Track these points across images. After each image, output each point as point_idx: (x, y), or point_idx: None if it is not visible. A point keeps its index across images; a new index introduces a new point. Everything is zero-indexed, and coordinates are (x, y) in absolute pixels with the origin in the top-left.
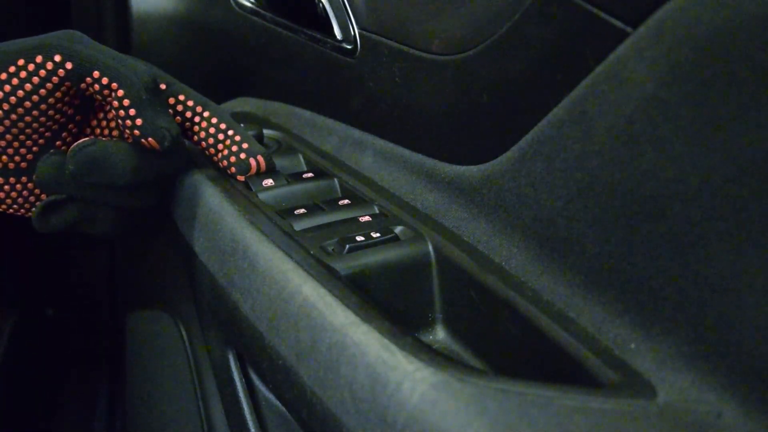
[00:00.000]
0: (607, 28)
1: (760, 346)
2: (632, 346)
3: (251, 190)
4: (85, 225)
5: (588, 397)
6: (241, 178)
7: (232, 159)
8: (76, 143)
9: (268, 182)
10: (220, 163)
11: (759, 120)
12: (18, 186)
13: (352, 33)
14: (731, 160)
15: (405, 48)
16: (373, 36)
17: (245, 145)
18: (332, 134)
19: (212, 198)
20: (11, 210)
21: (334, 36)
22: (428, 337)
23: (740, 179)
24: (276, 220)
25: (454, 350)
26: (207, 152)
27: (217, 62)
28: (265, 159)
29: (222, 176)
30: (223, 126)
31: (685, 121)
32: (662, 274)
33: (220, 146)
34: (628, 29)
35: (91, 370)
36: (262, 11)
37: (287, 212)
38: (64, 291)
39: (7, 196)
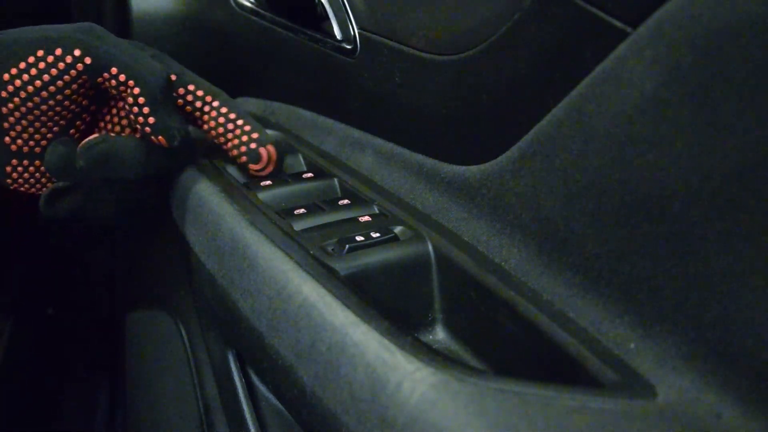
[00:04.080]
0: (607, 27)
1: (760, 346)
2: (632, 346)
3: (251, 189)
4: (90, 212)
5: (588, 397)
6: (253, 167)
7: (243, 149)
8: (86, 140)
9: (268, 182)
10: (231, 152)
11: (758, 120)
12: (31, 168)
13: (352, 33)
14: (731, 160)
15: (405, 48)
16: (373, 36)
17: (255, 135)
18: (332, 134)
19: (212, 198)
20: (23, 188)
21: (334, 36)
22: (428, 337)
23: (740, 179)
24: (276, 220)
25: (454, 350)
26: (217, 141)
27: (216, 62)
28: (275, 148)
29: (222, 176)
30: (232, 116)
31: (684, 121)
32: (662, 273)
33: (230, 136)
34: (628, 29)
35: (91, 370)
36: (262, 11)
37: (287, 212)
38: (64, 291)
39: (20, 176)
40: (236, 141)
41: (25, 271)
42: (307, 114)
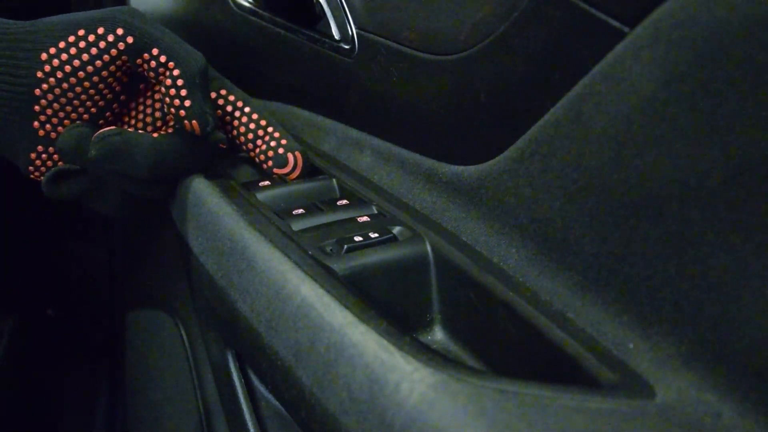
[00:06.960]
0: (605, 27)
1: (758, 346)
2: (630, 346)
3: (249, 190)
4: (92, 199)
5: (586, 397)
6: (278, 170)
7: (270, 153)
8: (101, 131)
9: (266, 182)
10: (257, 158)
11: (756, 120)
12: (55, 156)
13: (350, 33)
14: (728, 161)
15: (403, 48)
16: (371, 36)
17: (284, 141)
18: (330, 134)
19: (211, 198)
20: (42, 178)
21: (332, 36)
22: (426, 338)
23: (737, 179)
24: (274, 220)
25: (453, 350)
26: (245, 147)
27: (214, 62)
28: (302, 156)
29: (220, 176)
30: (263, 122)
31: (682, 121)
32: (660, 274)
33: (259, 141)
34: (626, 29)
35: (91, 369)
36: (261, 11)
37: (285, 212)
38: (64, 290)
39: (43, 164)
40: (264, 147)
41: (25, 271)
42: (305, 114)
